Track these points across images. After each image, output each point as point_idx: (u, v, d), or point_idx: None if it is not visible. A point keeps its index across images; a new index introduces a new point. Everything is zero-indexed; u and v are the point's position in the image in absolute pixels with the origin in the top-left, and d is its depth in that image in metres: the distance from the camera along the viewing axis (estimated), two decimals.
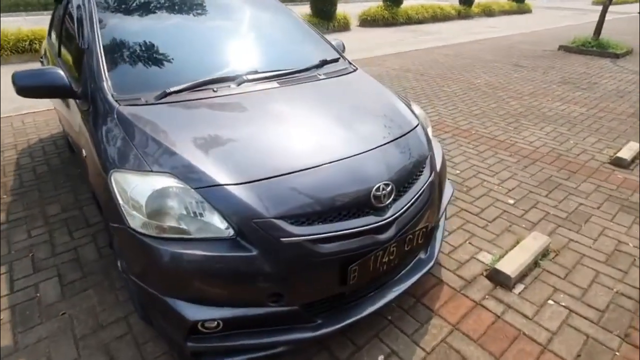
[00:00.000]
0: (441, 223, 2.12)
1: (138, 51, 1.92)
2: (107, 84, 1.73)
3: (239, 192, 1.34)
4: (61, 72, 1.79)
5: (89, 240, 2.47)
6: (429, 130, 2.13)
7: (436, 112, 4.89)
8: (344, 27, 12.51)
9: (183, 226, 1.33)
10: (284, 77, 1.99)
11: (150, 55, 1.91)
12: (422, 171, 1.75)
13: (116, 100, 1.67)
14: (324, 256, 1.37)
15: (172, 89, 1.71)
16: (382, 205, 1.50)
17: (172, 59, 1.94)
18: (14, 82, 1.75)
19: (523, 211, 2.78)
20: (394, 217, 1.53)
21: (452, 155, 3.66)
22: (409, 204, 1.60)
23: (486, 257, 2.30)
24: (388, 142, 1.69)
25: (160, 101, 1.68)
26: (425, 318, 1.90)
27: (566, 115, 4.75)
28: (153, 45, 1.96)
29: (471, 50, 9.26)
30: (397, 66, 7.54)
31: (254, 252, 1.31)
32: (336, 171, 1.48)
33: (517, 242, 2.40)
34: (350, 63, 2.45)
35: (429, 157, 1.81)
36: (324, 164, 1.48)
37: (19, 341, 1.79)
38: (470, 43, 10.31)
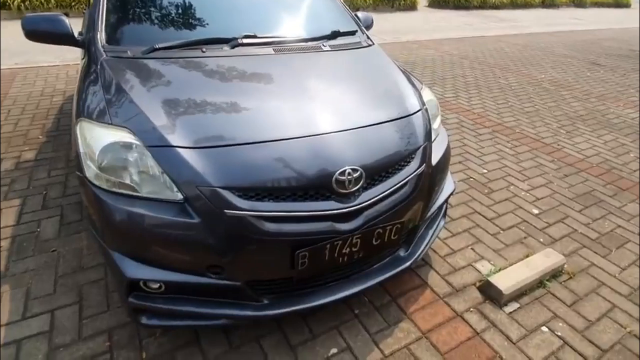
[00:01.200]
0: (437, 222, 1.94)
1: (139, 7, 1.90)
2: (100, 35, 1.73)
3: (190, 156, 1.29)
4: (65, 19, 1.83)
5: None
6: (438, 120, 1.92)
7: (482, 104, 4.49)
8: (410, 6, 11.89)
9: (132, 183, 1.31)
10: (283, 44, 1.88)
11: (150, 12, 1.89)
12: (408, 162, 1.58)
13: (105, 51, 1.67)
14: (270, 235, 1.29)
15: (160, 45, 1.68)
16: (346, 191, 1.37)
17: (171, 17, 1.90)
18: (22, 26, 1.81)
19: (546, 224, 2.47)
20: (360, 206, 1.40)
21: (483, 153, 3.35)
22: (382, 195, 1.45)
23: (485, 267, 2.09)
24: (371, 125, 1.54)
25: (145, 56, 1.66)
26: (394, 320, 1.76)
27: (635, 124, 4.14)
28: (155, 3, 1.93)
29: (545, 42, 8.38)
30: (455, 51, 7.03)
31: (196, 220, 1.26)
32: (298, 148, 1.36)
33: (527, 257, 2.14)
34: (368, 37, 2.26)
35: (421, 147, 1.63)
36: (286, 138, 1.37)
37: (9, 268, 1.94)
38: (547, 34, 9.34)
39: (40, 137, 3.25)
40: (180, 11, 1.94)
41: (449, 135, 3.58)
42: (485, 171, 3.06)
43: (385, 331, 1.71)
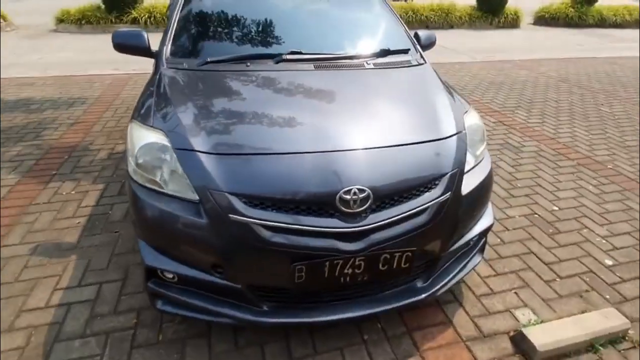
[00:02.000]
0: (469, 257, 1.79)
1: (202, 25, 2.13)
2: (167, 48, 1.98)
3: (207, 160, 1.40)
4: (145, 35, 2.13)
5: None
6: (482, 147, 1.78)
7: (571, 133, 4.00)
8: (512, 23, 11.10)
9: (159, 181, 1.46)
10: (324, 61, 1.93)
11: (210, 29, 2.10)
12: (430, 188, 1.49)
13: (166, 63, 1.91)
14: (268, 244, 1.33)
15: (211, 59, 1.86)
16: (351, 211, 1.35)
17: (229, 34, 2.09)
18: (112, 39, 2.16)
19: (619, 279, 2.10)
20: (365, 228, 1.36)
21: (558, 188, 2.97)
22: (393, 219, 1.40)
23: (525, 316, 1.85)
24: (392, 146, 1.50)
25: (197, 68, 1.85)
26: (404, 354, 1.66)
27: None
28: (216, 22, 2.14)
29: None
30: (554, 73, 6.37)
31: (203, 221, 1.36)
32: (308, 163, 1.39)
33: (581, 313, 1.84)
34: (422, 56, 2.20)
35: (449, 174, 1.53)
36: (298, 152, 1.41)
37: (80, 242, 2.28)
38: None
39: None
40: (237, 29, 2.13)
41: (521, 165, 3.28)
42: (555, 208, 2.71)
43: None
